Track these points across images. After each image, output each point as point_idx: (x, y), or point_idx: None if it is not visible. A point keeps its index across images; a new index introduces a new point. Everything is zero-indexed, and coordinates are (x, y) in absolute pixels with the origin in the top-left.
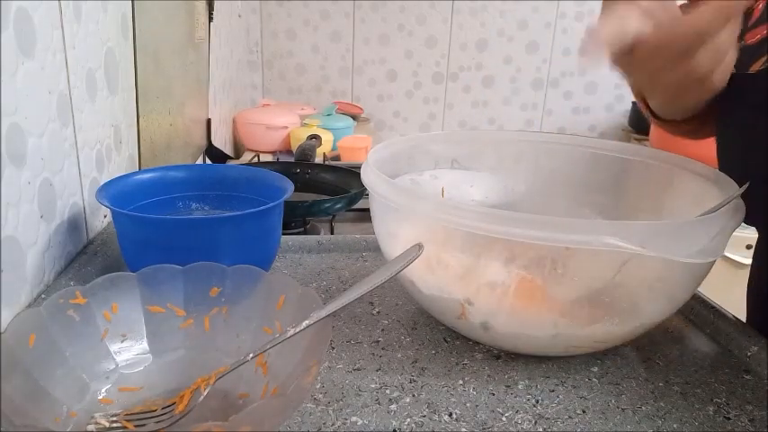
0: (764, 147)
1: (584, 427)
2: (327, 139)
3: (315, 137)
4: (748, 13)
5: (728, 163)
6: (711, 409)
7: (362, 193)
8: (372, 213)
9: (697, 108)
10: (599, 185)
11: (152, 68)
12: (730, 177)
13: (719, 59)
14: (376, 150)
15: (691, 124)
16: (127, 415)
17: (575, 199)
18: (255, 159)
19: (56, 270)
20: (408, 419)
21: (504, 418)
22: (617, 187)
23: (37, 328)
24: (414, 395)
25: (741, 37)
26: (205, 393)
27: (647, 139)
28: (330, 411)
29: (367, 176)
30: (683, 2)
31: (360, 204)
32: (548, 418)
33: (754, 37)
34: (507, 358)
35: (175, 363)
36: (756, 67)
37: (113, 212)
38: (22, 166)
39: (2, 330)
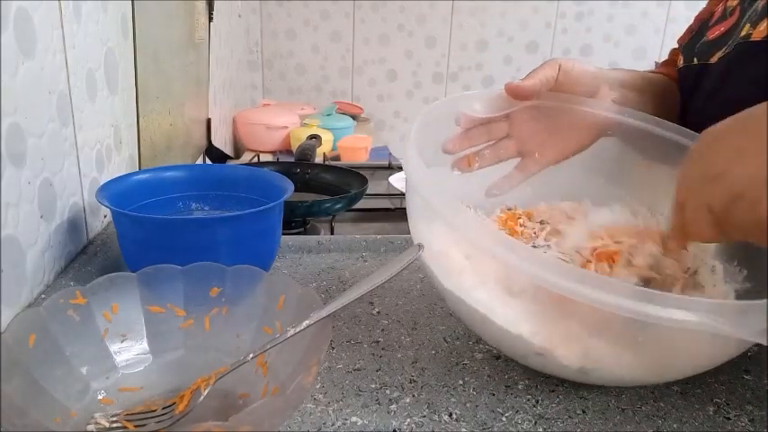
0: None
1: (584, 427)
2: (327, 139)
3: (315, 137)
4: (710, 15)
5: None
6: (711, 409)
7: (363, 193)
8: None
9: None
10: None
11: (152, 68)
12: None
13: None
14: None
15: None
16: (127, 415)
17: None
18: (255, 159)
19: (56, 270)
20: (408, 419)
21: (504, 418)
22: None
23: (37, 328)
24: (414, 395)
25: (703, 34)
26: (205, 393)
27: None
28: (330, 411)
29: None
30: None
31: (360, 204)
32: (548, 418)
33: (713, 33)
34: (507, 358)
35: (175, 363)
36: (714, 58)
37: (113, 212)
38: (22, 166)
39: (2, 330)
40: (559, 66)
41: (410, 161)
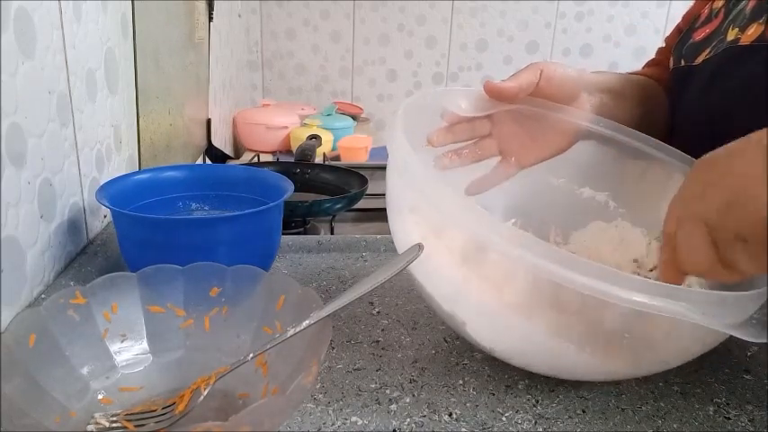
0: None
1: (584, 427)
2: (327, 139)
3: (315, 137)
4: (696, 16)
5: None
6: (711, 409)
7: (363, 193)
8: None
9: None
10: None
11: (152, 68)
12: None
13: None
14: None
15: None
16: (127, 415)
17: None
18: (255, 159)
19: (56, 270)
20: (408, 419)
21: (504, 418)
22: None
23: (37, 328)
24: (414, 395)
25: (690, 35)
26: (205, 393)
27: None
28: (330, 411)
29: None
30: None
31: (360, 204)
32: (548, 418)
33: (699, 35)
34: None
35: (175, 363)
36: (700, 59)
37: (113, 212)
38: (22, 166)
39: (2, 330)
40: (541, 71)
41: (398, 144)
